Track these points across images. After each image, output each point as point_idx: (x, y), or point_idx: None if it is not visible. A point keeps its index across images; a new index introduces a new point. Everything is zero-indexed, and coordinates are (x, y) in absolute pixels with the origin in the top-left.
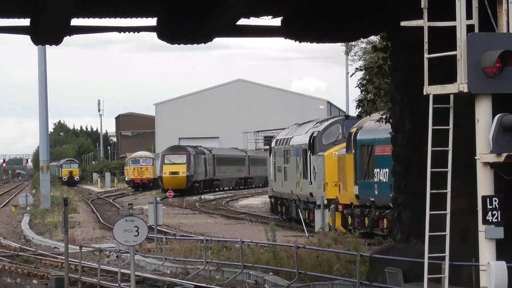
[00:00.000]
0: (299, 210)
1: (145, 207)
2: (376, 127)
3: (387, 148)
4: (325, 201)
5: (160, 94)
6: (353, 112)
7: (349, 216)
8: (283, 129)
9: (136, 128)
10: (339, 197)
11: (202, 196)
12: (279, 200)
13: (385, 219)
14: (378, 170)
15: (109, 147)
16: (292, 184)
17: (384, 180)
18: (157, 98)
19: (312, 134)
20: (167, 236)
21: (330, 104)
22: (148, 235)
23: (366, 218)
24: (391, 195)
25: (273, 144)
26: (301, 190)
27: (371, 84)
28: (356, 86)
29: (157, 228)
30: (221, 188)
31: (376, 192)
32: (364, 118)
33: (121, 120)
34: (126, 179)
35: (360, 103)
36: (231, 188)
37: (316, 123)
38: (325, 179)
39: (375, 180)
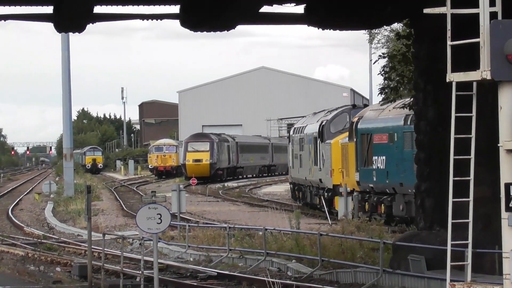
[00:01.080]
0: (318, 196)
1: (168, 194)
2: (375, 117)
3: (384, 136)
4: (331, 186)
5: (183, 81)
6: (376, 99)
7: (351, 201)
8: (304, 117)
9: (160, 116)
10: (343, 183)
11: (225, 184)
12: (296, 186)
13: (382, 205)
14: (376, 157)
15: (132, 135)
16: (306, 171)
17: (382, 167)
18: (180, 86)
19: (322, 122)
20: (190, 223)
21: (353, 91)
22: (171, 222)
23: (366, 203)
24: (387, 181)
25: (291, 132)
26: (312, 176)
27: (394, 71)
28: (379, 74)
29: (180, 215)
30: (244, 176)
31: (375, 179)
32: (365, 108)
33: (144, 107)
34: (149, 166)
35: (383, 90)
36: (254, 175)
37: (327, 112)
38: (332, 166)
39: (374, 167)
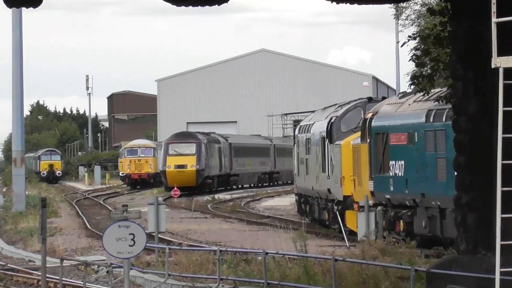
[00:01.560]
0: (327, 210)
1: (143, 209)
2: (392, 112)
3: (402, 136)
4: (341, 198)
5: (163, 68)
6: (404, 89)
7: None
8: (313, 112)
9: (134, 111)
10: (354, 194)
11: (216, 196)
12: (303, 198)
13: (401, 220)
14: (393, 162)
15: (99, 134)
16: (313, 179)
17: (400, 174)
18: (160, 74)
19: (331, 119)
20: (171, 246)
21: (376, 79)
22: (147, 245)
23: (383, 218)
24: (406, 191)
25: (296, 131)
26: (320, 186)
27: (428, 55)
28: (410, 60)
29: (159, 236)
30: (240, 186)
31: (392, 188)
32: (381, 102)
33: (114, 100)
34: (120, 174)
35: (414, 79)
36: (252, 185)
37: (337, 106)
38: (342, 173)
39: (391, 174)
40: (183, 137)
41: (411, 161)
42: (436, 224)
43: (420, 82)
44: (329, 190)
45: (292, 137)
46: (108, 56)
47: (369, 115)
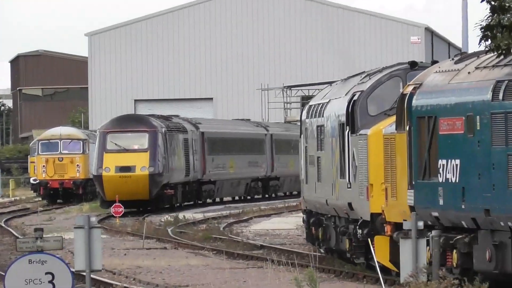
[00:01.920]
0: (347, 236)
1: (68, 235)
2: (443, 85)
3: (458, 122)
4: (367, 217)
5: (97, 15)
6: (474, 47)
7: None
8: (331, 83)
9: (52, 82)
10: (386, 211)
11: (181, 215)
12: (313, 218)
13: (455, 251)
14: (444, 162)
15: None
16: (327, 188)
17: (453, 181)
18: (91, 25)
19: (353, 97)
20: None
21: (431, 32)
22: None
23: (427, 247)
24: (462, 206)
25: (304, 115)
26: (337, 199)
27: None
28: (482, 0)
29: (92, 276)
30: (218, 199)
31: (441, 202)
32: (428, 68)
33: (21, 65)
34: (31, 180)
35: (488, 31)
36: (237, 198)
37: (365, 76)
38: (370, 178)
39: (440, 179)
40: (128, 122)
41: (470, 160)
42: (507, 257)
43: (496, 35)
44: (350, 205)
45: (299, 124)
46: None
47: (409, 88)
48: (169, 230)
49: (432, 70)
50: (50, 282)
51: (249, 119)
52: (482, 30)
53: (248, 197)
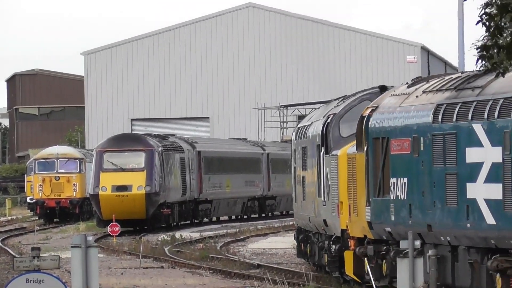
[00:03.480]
0: (324, 250)
1: (65, 254)
2: (394, 107)
3: (405, 143)
4: (339, 233)
5: (93, 35)
6: (471, 67)
7: (365, 258)
8: (327, 102)
9: (48, 101)
10: (349, 227)
11: (178, 234)
12: (302, 234)
13: (384, 261)
14: (394, 180)
15: None
16: (309, 206)
17: (402, 197)
18: (88, 43)
19: (327, 119)
20: None
21: (427, 52)
22: None
23: (384, 261)
24: (409, 222)
25: (293, 136)
26: (316, 216)
27: (508, 13)
28: (477, 22)
29: None
30: (215, 218)
31: (393, 218)
32: (386, 92)
33: (18, 84)
34: (28, 200)
35: (485, 51)
36: (234, 217)
37: (340, 100)
38: (340, 196)
39: (392, 196)
40: (125, 142)
41: (416, 178)
42: (446, 270)
43: (493, 55)
44: (325, 221)
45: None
46: (7, 18)
47: (368, 111)
48: (166, 249)
49: (389, 93)
50: None
51: (245, 138)
52: (478, 50)
53: (245, 216)
